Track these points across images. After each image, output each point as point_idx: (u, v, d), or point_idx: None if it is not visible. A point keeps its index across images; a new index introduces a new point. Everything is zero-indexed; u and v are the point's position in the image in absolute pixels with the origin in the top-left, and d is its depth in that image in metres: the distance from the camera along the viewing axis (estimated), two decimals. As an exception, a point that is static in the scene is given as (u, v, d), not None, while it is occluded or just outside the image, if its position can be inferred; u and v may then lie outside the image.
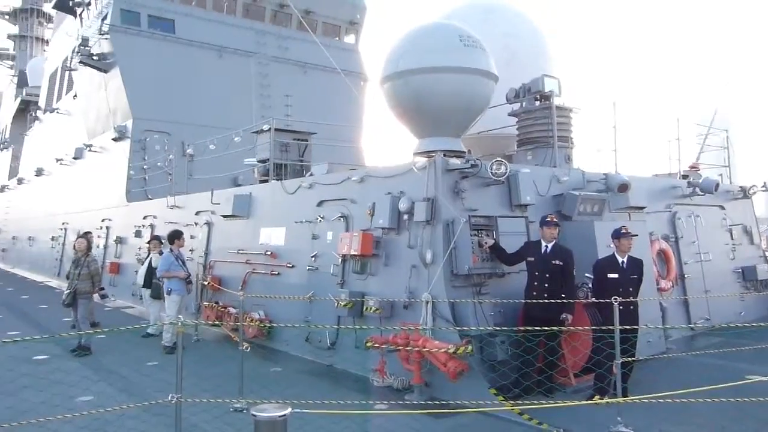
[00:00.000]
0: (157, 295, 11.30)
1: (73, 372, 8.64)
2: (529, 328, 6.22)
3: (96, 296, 10.93)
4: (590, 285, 7.62)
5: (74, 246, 10.98)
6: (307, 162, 12.66)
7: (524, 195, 8.49)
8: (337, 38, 24.27)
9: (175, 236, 11.03)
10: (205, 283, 12.04)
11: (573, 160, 10.54)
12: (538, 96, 10.36)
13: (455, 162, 8.02)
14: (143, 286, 11.84)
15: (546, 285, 7.24)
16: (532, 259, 7.48)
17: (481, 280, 7.88)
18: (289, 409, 3.88)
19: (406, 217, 8.16)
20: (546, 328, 6.12)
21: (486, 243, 7.75)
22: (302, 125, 13.51)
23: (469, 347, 6.76)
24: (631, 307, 6.86)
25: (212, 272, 12.42)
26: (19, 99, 40.11)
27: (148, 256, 12.40)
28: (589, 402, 6.40)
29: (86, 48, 20.79)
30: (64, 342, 10.26)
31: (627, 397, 6.09)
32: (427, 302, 7.50)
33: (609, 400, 6.14)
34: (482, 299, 7.68)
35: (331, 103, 21.34)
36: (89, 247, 10.84)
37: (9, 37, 52.75)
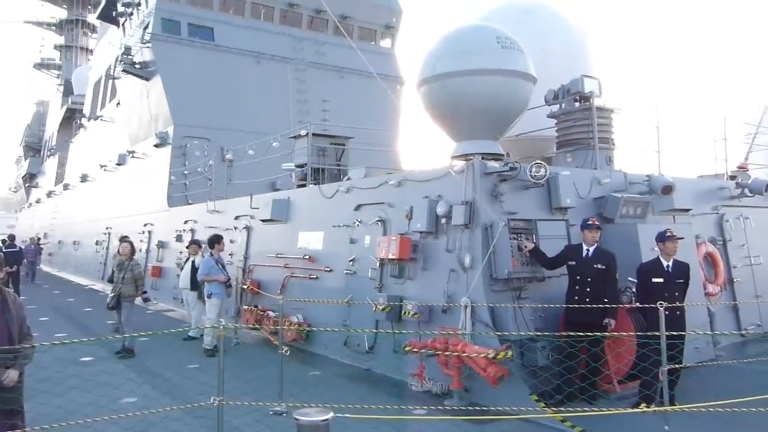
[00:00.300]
0: (201, 297, 11.50)
1: (118, 374, 8.85)
2: (572, 334, 6.10)
3: (139, 299, 11.15)
4: (634, 289, 7.45)
5: (118, 250, 11.24)
6: (345, 166, 12.71)
7: (564, 198, 8.34)
8: (373, 42, 24.37)
9: (215, 240, 11.19)
10: (245, 286, 12.18)
11: (614, 161, 10.33)
12: (577, 97, 10.18)
13: (493, 165, 7.93)
14: (191, 289, 12.02)
15: (588, 289, 7.10)
16: (574, 262, 7.35)
17: (520, 284, 7.77)
18: (332, 414, 3.88)
19: (444, 220, 8.11)
20: (588, 333, 5.98)
21: (526, 247, 7.64)
22: (339, 130, 13.57)
23: (509, 352, 6.67)
24: (678, 312, 6.67)
25: (251, 276, 12.55)
26: (64, 107, 41.36)
27: (187, 260, 12.61)
28: (635, 410, 6.24)
29: (129, 57, 21.32)
30: (109, 344, 10.50)
31: (674, 405, 5.92)
32: (466, 306, 7.43)
33: (656, 409, 5.97)
34: (522, 304, 7.57)
35: (367, 107, 21.40)
36: (133, 252, 11.07)
37: (55, 47, 54.58)
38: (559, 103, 10.46)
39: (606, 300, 6.88)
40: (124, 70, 21.71)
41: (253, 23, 21.88)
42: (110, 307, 10.71)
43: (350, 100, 21.23)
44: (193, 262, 12.10)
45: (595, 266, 7.16)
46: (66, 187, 35.13)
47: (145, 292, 11.29)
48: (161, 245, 18.29)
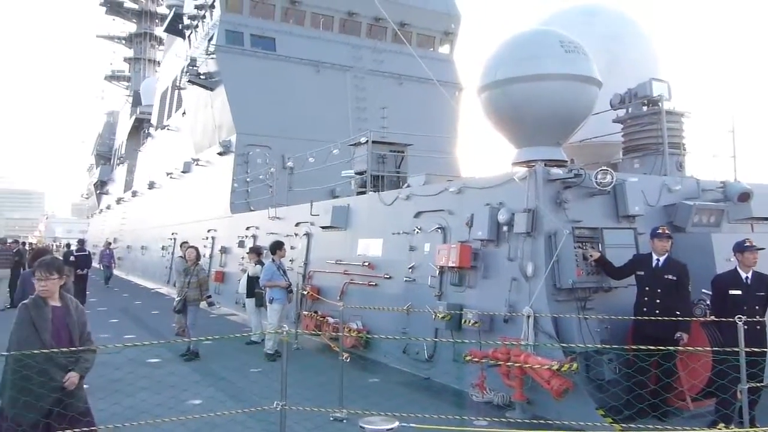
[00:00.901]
0: (260, 304, 11.71)
1: (184, 376, 9.07)
2: (641, 347, 5.85)
3: (203, 303, 11.43)
4: (708, 302, 7.11)
5: (184, 256, 11.57)
6: (404, 173, 12.70)
7: (632, 205, 8.06)
8: (432, 49, 24.32)
9: (277, 247, 11.37)
10: (305, 292, 12.31)
11: (686, 167, 9.92)
12: (645, 101, 9.86)
13: (557, 171, 7.75)
14: (247, 296, 12.28)
15: (658, 301, 6.83)
16: (642, 273, 7.08)
17: (585, 294, 7.54)
18: (397, 423, 3.85)
19: (505, 228, 7.98)
20: (660, 347, 5.72)
21: (591, 256, 7.42)
22: (398, 137, 13.59)
23: (574, 364, 6.48)
24: (758, 326, 6.31)
25: (311, 282, 12.69)
26: (133, 117, 43.07)
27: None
28: (712, 430, 5.93)
29: (194, 68, 22.01)
30: (174, 347, 10.82)
31: (755, 426, 5.60)
32: (529, 316, 7.27)
33: (735, 429, 5.66)
34: (587, 315, 7.34)
35: (426, 113, 21.38)
36: (198, 257, 11.37)
37: (125, 60, 57.05)
38: (625, 108, 10.15)
39: (678, 313, 6.58)
40: (189, 81, 22.40)
41: (313, 33, 22.22)
42: (176, 310, 11.03)
43: (409, 107, 21.24)
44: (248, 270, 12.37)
45: (666, 277, 6.88)
46: (134, 194, 36.49)
47: (209, 296, 11.56)
48: (224, 251, 18.74)
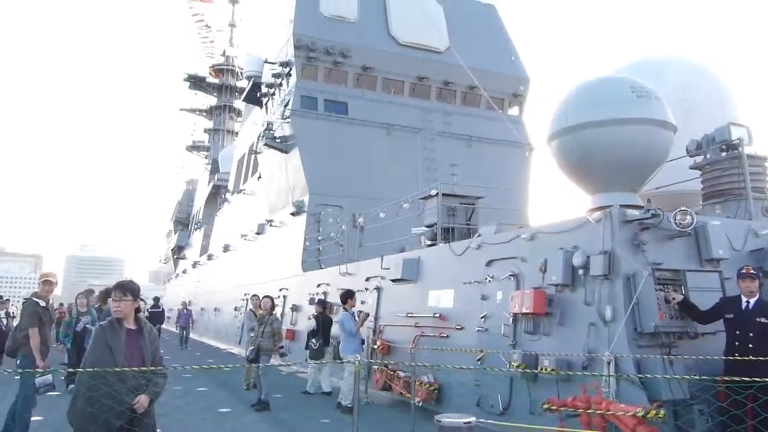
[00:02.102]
0: (314, 356, 11.97)
1: (255, 426, 9.14)
2: (736, 378, 5.44)
3: (276, 355, 11.55)
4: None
5: (260, 305, 11.82)
6: (474, 225, 12.67)
7: (715, 249, 7.74)
8: (500, 111, 24.53)
9: (348, 296, 11.43)
10: (375, 346, 12.24)
11: (772, 213, 9.50)
12: (724, 146, 9.59)
13: (633, 213, 7.60)
14: (306, 348, 12.47)
15: (750, 346, 6.43)
16: (731, 316, 6.72)
17: (670, 340, 7.20)
18: (473, 418, 3.73)
19: (581, 272, 7.81)
20: (757, 379, 5.33)
21: (674, 299, 7.12)
22: (469, 190, 13.67)
23: (661, 411, 6.11)
24: None
25: (382, 336, 12.62)
26: (211, 184, 45.05)
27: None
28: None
29: (270, 132, 22.99)
30: (245, 398, 10.94)
31: None
32: (609, 362, 6.97)
33: None
34: (673, 360, 6.97)
35: (495, 174, 21.34)
36: (273, 307, 11.58)
37: (205, 131, 60.50)
38: (702, 153, 9.90)
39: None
40: (265, 144, 23.33)
41: (385, 97, 22.93)
42: (250, 359, 11.17)
43: (478, 168, 21.30)
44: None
45: (758, 320, 6.50)
46: (210, 257, 37.62)
47: (281, 347, 11.70)
48: (295, 308, 18.95)
